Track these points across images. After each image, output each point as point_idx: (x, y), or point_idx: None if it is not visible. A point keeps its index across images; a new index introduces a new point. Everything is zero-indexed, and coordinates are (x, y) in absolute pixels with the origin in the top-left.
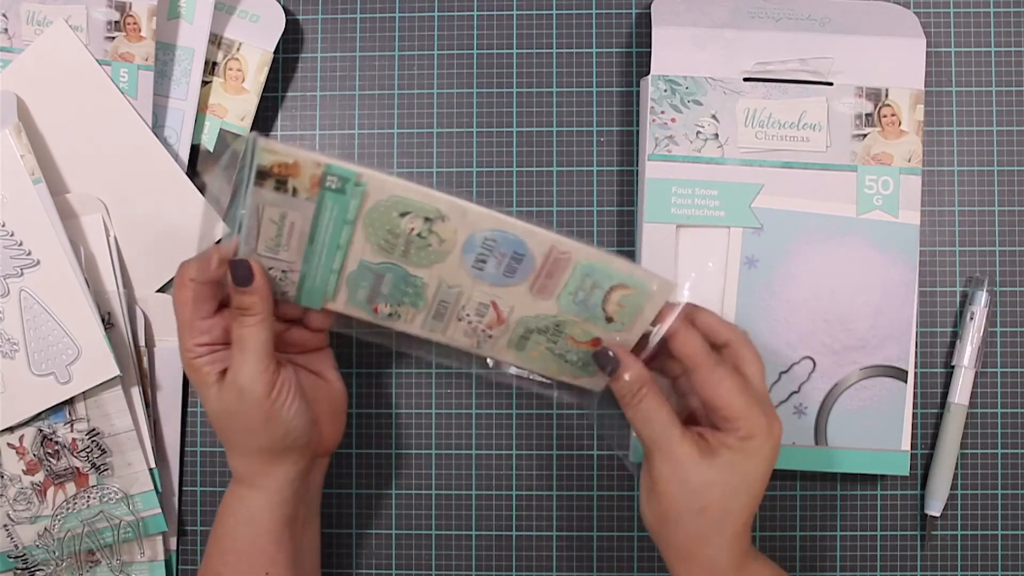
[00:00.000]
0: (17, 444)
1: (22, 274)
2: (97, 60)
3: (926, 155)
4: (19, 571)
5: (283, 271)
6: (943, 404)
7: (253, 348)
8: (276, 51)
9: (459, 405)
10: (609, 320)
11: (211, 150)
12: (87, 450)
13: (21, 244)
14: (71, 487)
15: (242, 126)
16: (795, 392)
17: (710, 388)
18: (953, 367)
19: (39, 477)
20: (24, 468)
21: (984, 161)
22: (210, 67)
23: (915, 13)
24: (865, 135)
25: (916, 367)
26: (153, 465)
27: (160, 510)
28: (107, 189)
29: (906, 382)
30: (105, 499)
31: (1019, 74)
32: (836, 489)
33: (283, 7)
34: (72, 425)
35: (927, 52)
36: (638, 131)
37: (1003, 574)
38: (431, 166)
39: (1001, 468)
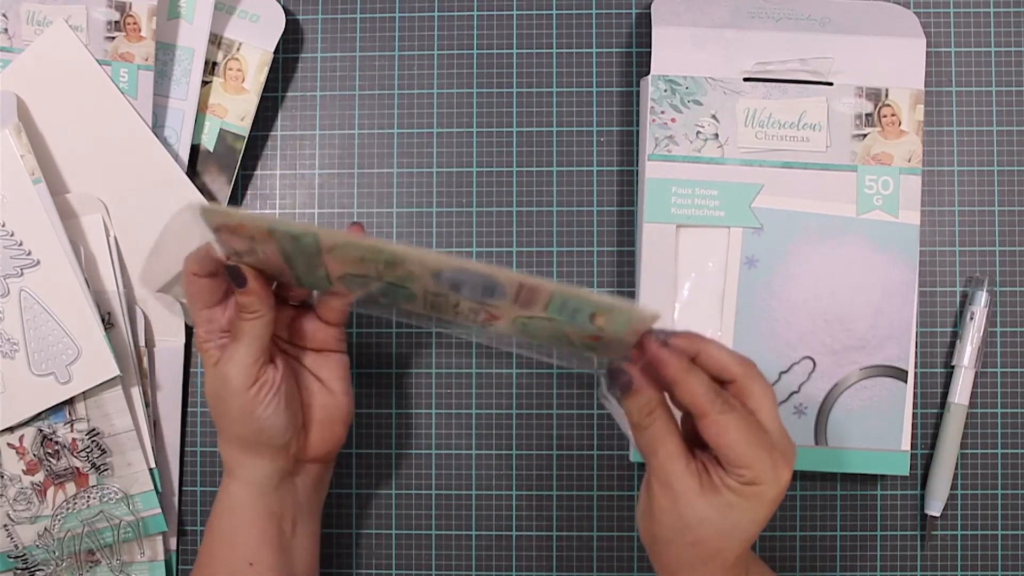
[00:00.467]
0: (17, 444)
1: (22, 274)
2: (97, 60)
3: (926, 155)
4: (19, 571)
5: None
6: (943, 404)
7: (245, 341)
8: (276, 51)
9: (459, 405)
10: (601, 330)
11: (211, 150)
12: (87, 450)
13: (21, 244)
14: (71, 487)
15: (242, 126)
16: (795, 392)
17: (715, 435)
18: (953, 367)
19: (39, 477)
20: (24, 468)
21: (984, 161)
22: (210, 67)
23: (915, 13)
24: (865, 135)
25: (916, 367)
26: (153, 465)
27: (160, 510)
28: (107, 189)
29: (906, 382)
30: (105, 499)
31: (1019, 74)
32: (836, 489)
33: (283, 7)
34: (72, 425)
35: (927, 52)
36: (638, 131)
37: (1003, 574)
38: (431, 166)
39: (1001, 468)
